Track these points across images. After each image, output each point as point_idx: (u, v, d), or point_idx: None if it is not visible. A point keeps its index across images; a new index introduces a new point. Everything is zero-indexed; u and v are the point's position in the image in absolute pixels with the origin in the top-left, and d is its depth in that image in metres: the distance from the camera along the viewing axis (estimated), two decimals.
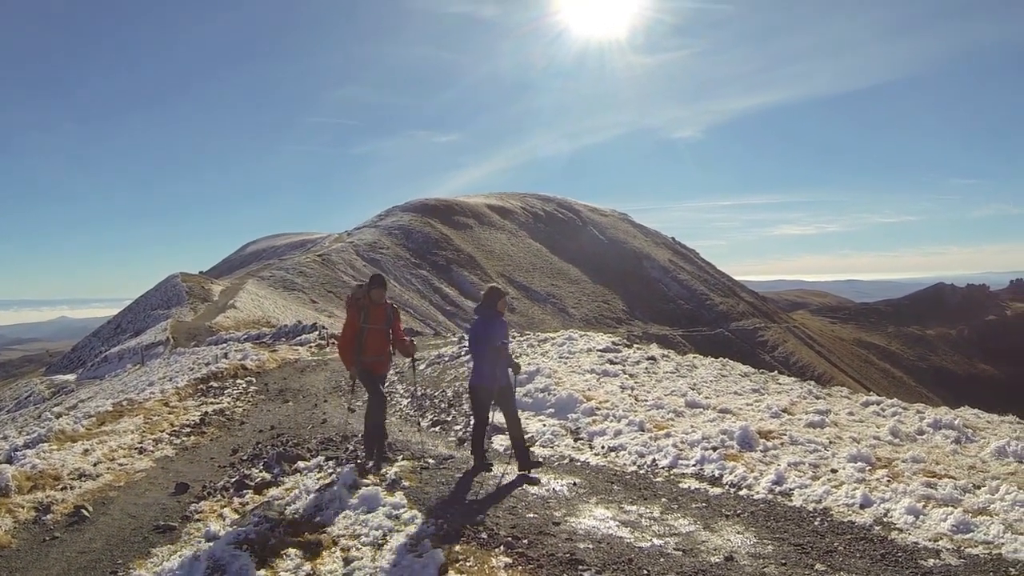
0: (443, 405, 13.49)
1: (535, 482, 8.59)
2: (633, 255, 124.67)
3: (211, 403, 15.14)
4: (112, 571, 6.70)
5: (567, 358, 16.83)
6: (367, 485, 8.11)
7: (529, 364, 15.19)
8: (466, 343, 20.69)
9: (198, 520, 7.80)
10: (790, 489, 8.14)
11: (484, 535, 6.95)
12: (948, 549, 6.48)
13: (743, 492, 8.25)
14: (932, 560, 6.26)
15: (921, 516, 7.17)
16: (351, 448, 10.38)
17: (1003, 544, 6.46)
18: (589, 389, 13.25)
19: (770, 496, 8.06)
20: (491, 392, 9.09)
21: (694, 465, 9.17)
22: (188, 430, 12.46)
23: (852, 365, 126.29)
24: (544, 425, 11.38)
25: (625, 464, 9.52)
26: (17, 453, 10.58)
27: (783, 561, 6.34)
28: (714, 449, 9.54)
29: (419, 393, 12.54)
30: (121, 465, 10.21)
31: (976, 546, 6.51)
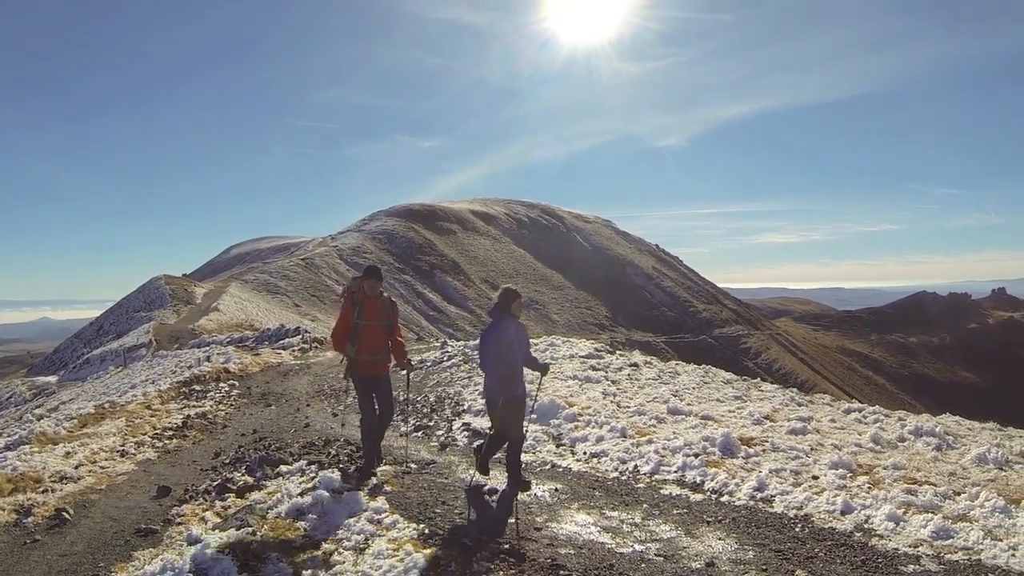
0: (425, 410, 13.48)
1: (527, 488, 8.48)
2: (616, 262, 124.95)
3: (193, 406, 15.07)
4: (94, 574, 6.66)
5: (549, 364, 16.84)
6: (349, 489, 8.10)
7: None
8: (448, 349, 20.74)
9: (180, 524, 7.76)
10: (771, 495, 8.18)
11: (466, 540, 6.95)
12: (928, 555, 6.53)
13: (724, 498, 8.29)
14: (912, 566, 6.31)
15: (901, 522, 7.22)
16: (333, 452, 10.36)
17: (982, 550, 6.52)
18: (571, 395, 13.28)
19: (751, 502, 8.09)
20: (497, 402, 8.33)
21: (676, 471, 9.19)
22: (170, 433, 12.40)
23: (835, 372, 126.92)
24: (526, 431, 11.36)
25: (607, 470, 9.54)
26: None
27: (764, 567, 6.38)
28: (696, 456, 9.56)
29: (402, 398, 12.54)
30: (103, 468, 10.15)
31: (955, 552, 6.56)
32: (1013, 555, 6.36)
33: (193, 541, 6.91)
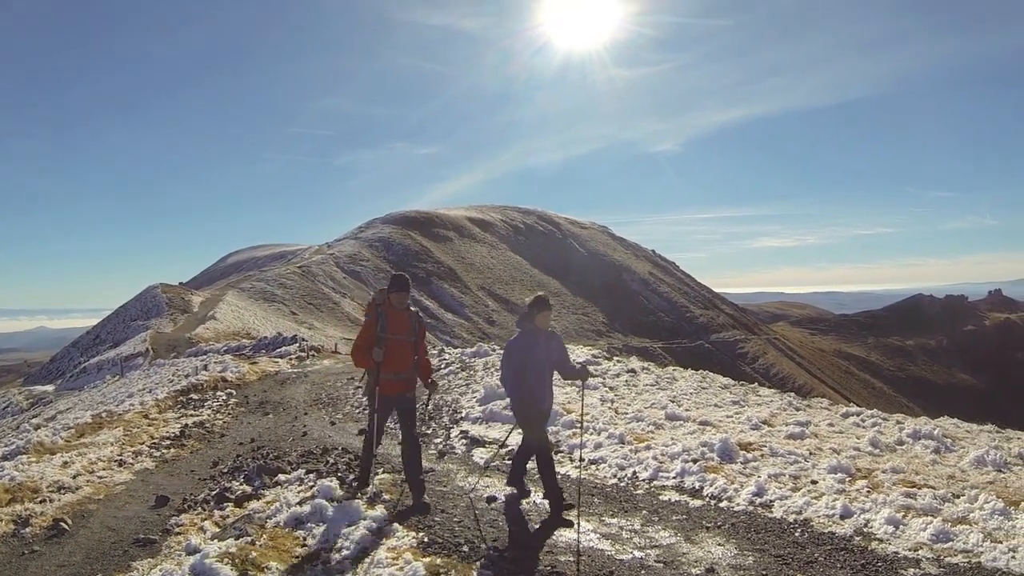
0: (423, 418, 13.46)
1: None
2: (613, 267, 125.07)
3: (191, 415, 15.05)
4: None
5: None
6: (348, 498, 8.09)
7: None
8: (445, 356, 20.74)
9: (179, 533, 7.73)
10: (770, 500, 8.17)
11: (465, 548, 6.94)
12: (928, 558, 6.52)
13: (723, 504, 8.28)
14: (912, 570, 6.30)
15: (901, 526, 7.21)
16: (332, 461, 10.33)
17: (982, 553, 6.52)
18: (569, 402, 13.26)
19: (750, 508, 8.09)
20: (522, 419, 8.20)
21: (674, 477, 9.18)
22: (168, 442, 12.38)
23: (832, 376, 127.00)
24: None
25: (605, 476, 9.53)
26: None
27: (764, 572, 6.37)
28: (694, 461, 9.55)
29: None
30: (101, 478, 10.13)
31: (955, 555, 6.56)
32: (1013, 557, 6.36)
33: (192, 551, 6.88)
